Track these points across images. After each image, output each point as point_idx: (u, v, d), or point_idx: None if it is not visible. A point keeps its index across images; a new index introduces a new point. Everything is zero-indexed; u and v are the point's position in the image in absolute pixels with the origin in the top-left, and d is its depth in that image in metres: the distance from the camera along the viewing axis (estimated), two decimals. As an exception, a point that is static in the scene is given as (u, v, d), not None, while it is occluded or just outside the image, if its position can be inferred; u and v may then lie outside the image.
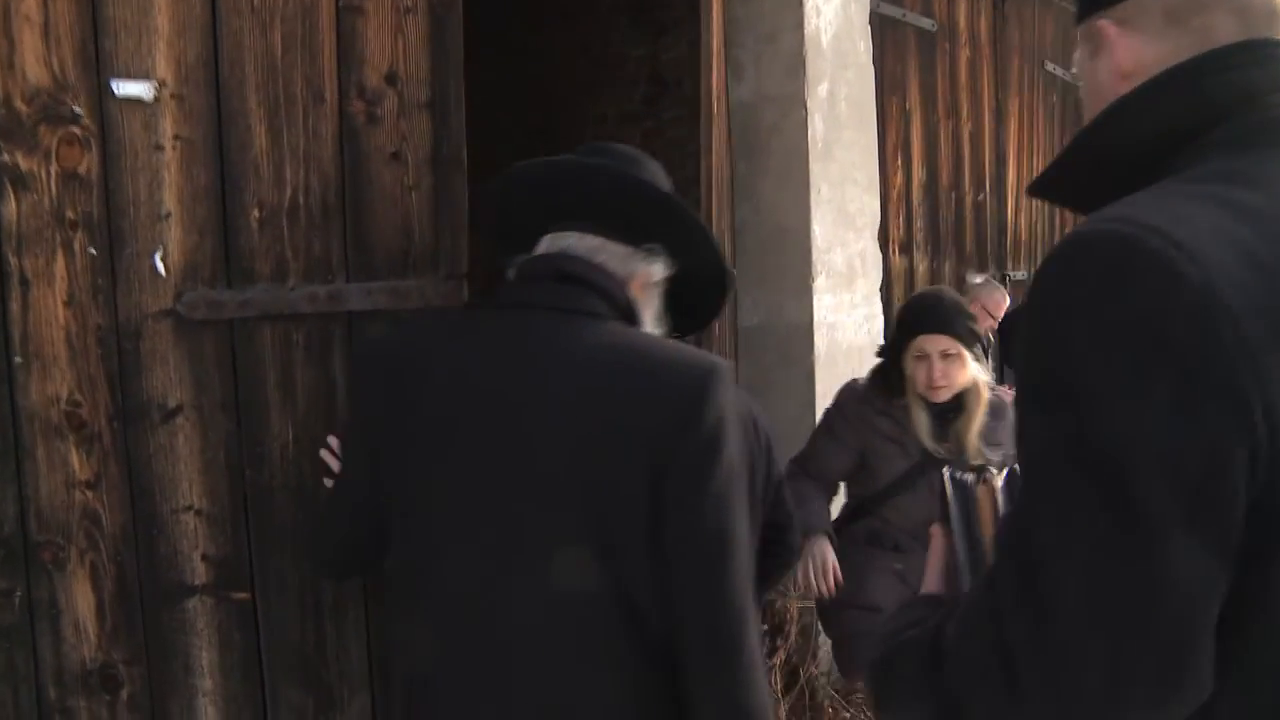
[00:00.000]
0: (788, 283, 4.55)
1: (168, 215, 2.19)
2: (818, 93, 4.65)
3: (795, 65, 4.51)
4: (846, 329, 4.74)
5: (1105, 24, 1.14)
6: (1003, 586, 0.94)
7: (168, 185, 2.19)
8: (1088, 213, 1.01)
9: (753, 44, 4.52)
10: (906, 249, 6.15)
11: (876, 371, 3.38)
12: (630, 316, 1.74)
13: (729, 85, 4.59)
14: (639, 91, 5.33)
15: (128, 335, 2.18)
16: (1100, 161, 1.11)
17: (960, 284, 6.57)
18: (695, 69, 4.30)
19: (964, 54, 6.49)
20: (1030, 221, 7.35)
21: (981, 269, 6.70)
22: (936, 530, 1.26)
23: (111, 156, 2.14)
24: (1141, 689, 0.88)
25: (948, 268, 6.53)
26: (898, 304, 5.93)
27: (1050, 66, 7.35)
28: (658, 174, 1.94)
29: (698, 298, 1.90)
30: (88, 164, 2.13)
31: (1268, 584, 0.90)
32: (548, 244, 1.82)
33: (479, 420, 1.65)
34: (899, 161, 6.02)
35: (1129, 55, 1.12)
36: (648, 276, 1.79)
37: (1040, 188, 1.21)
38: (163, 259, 2.19)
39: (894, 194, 5.90)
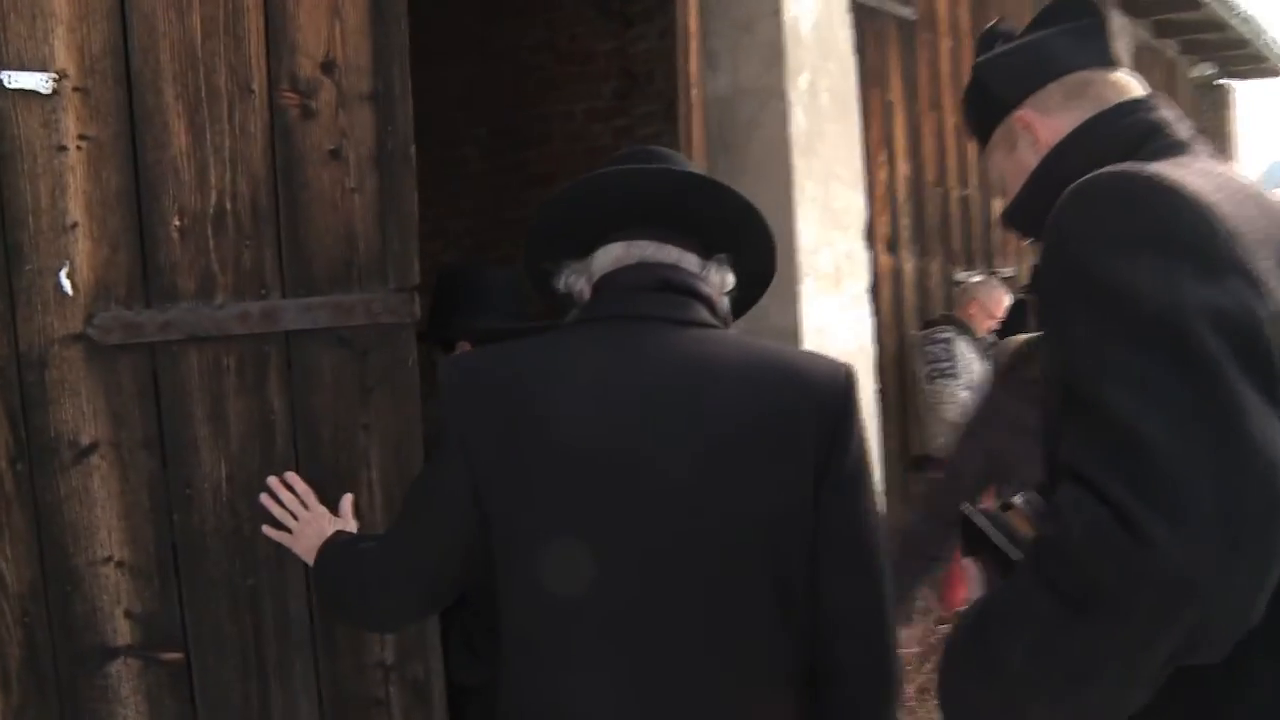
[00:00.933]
0: (773, 285, 4.28)
1: (74, 226, 1.91)
2: (798, 84, 4.40)
3: (774, 55, 4.26)
4: (837, 333, 4.49)
5: (1020, 115, 1.46)
6: (1091, 463, 1.02)
7: (73, 191, 1.91)
8: None
9: (729, 33, 4.27)
10: (893, 247, 5.92)
11: None
12: (727, 326, 1.71)
13: (704, 78, 4.34)
14: (608, 87, 5.08)
15: (30, 364, 1.91)
16: (1058, 193, 1.22)
17: (949, 283, 6.35)
18: (669, 60, 4.05)
19: (945, 44, 6.27)
20: (1016, 216, 7.13)
21: (969, 267, 6.48)
22: (971, 563, 1.26)
23: (5, 158, 1.87)
24: (1252, 510, 0.95)
25: (935, 266, 6.31)
26: (886, 306, 5.72)
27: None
28: (679, 157, 1.86)
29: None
30: (-24, 169, 1.85)
31: None
32: (620, 252, 1.70)
33: (626, 442, 1.57)
34: (882, 157, 5.80)
35: (1048, 130, 1.43)
36: (723, 287, 1.73)
37: (1012, 219, 1.52)
38: (69, 276, 1.92)
39: (878, 190, 5.67)
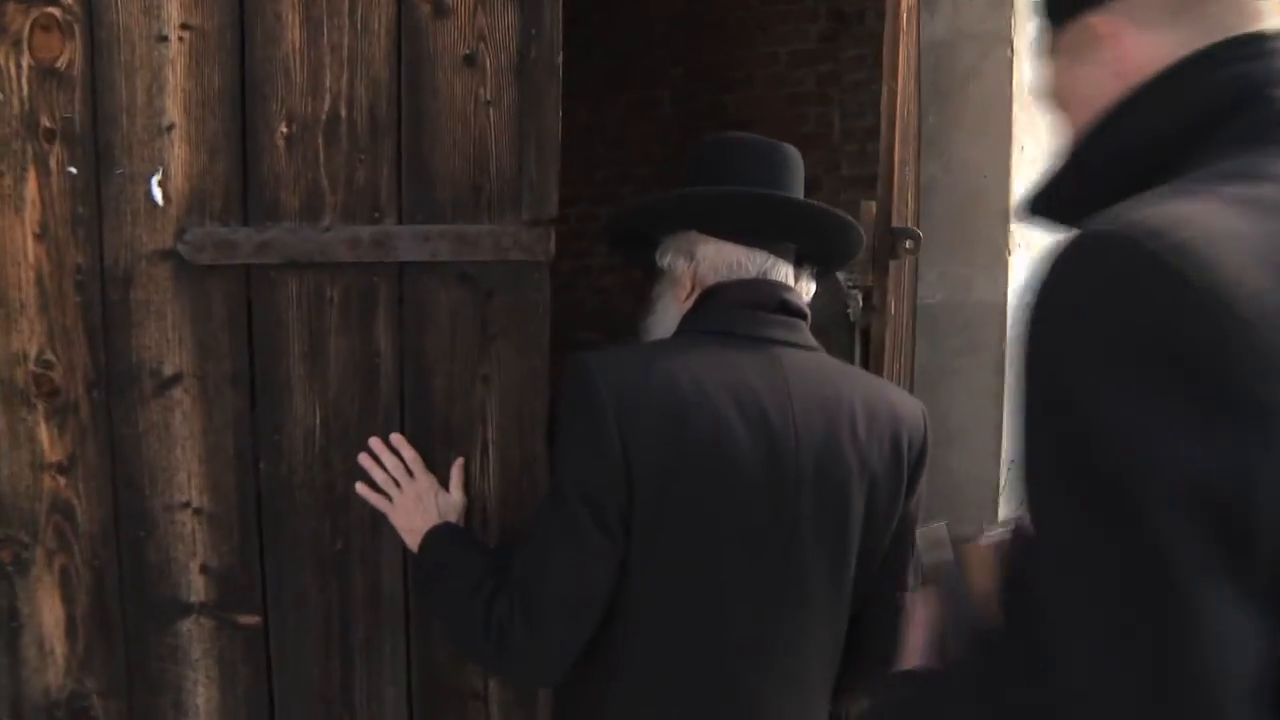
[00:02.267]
0: (979, 254, 3.84)
1: (170, 127, 1.68)
2: (1026, 30, 3.92)
3: (1002, -4, 3.79)
4: (1045, 312, 3.98)
5: (1100, 20, 1.02)
6: (1003, 649, 0.89)
7: (172, 89, 1.67)
8: None
9: (953, -31, 3.82)
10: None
11: None
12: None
13: (920, 20, 3.89)
14: (815, 28, 4.68)
15: (115, 281, 1.69)
16: (1106, 169, 1.00)
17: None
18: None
19: None
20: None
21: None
22: (919, 598, 1.13)
23: (101, 48, 1.65)
24: None
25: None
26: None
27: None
28: (799, 164, 1.77)
29: None
30: (70, 56, 1.64)
31: None
32: (736, 258, 1.67)
33: (785, 475, 1.56)
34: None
35: (1141, 51, 1.00)
36: (808, 296, 1.74)
37: (1040, 205, 1.09)
38: (161, 184, 1.69)
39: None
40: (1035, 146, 3.96)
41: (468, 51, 1.76)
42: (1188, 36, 0.98)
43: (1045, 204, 1.08)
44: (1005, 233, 3.92)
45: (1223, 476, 0.74)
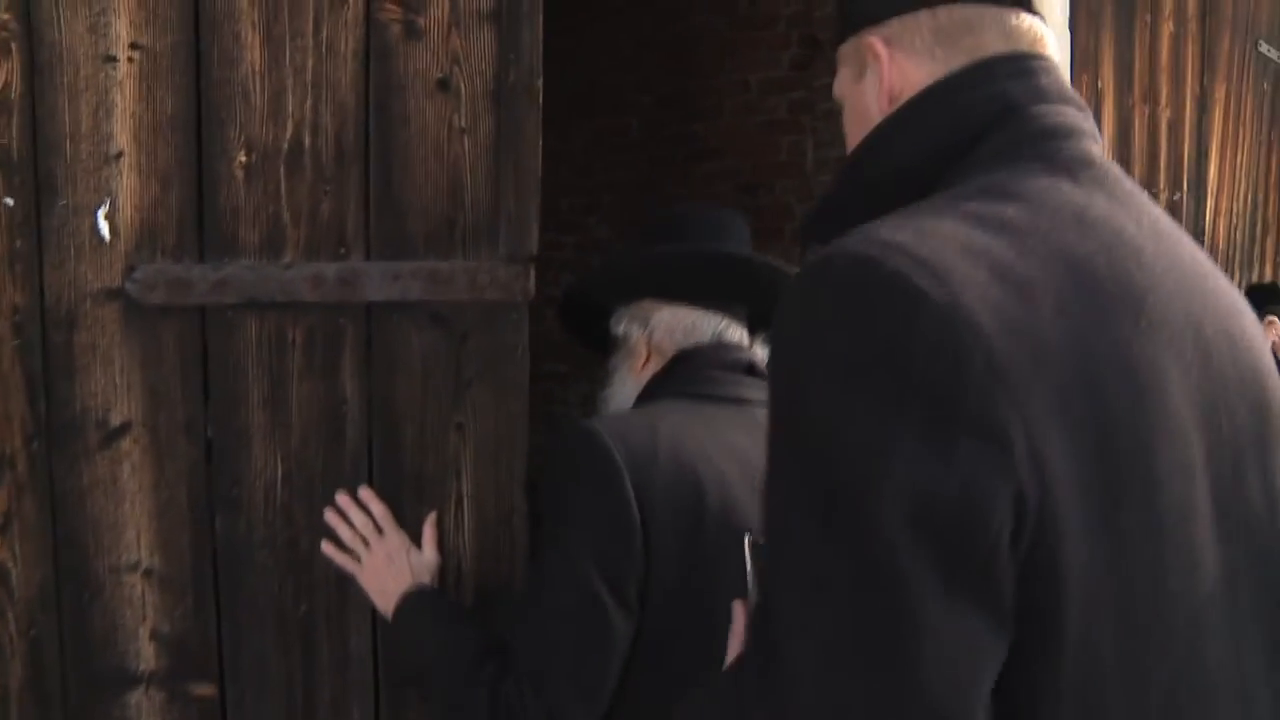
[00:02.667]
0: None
1: (118, 155, 1.55)
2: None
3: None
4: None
5: (874, 41, 1.04)
6: (746, 666, 0.87)
7: (120, 113, 1.54)
8: None
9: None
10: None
11: None
12: None
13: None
14: (788, 54, 4.59)
15: (57, 323, 1.55)
16: (873, 189, 1.01)
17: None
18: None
19: (1167, 28, 5.58)
20: (1230, 226, 6.38)
21: (1175, 280, 5.78)
22: (739, 605, 1.07)
23: (42, 69, 1.52)
24: None
25: (1136, 277, 5.63)
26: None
27: (1265, 48, 6.37)
28: (745, 229, 1.76)
29: None
30: (6, 78, 1.51)
31: (1052, 664, 0.78)
32: (693, 320, 1.65)
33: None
34: (1087, 151, 5.16)
35: (898, 76, 1.03)
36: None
37: (813, 229, 1.08)
38: (108, 217, 1.55)
39: (1079, 188, 5.03)
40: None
41: (441, 76, 1.64)
42: (952, 58, 1.00)
43: (823, 226, 1.05)
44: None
45: (953, 493, 0.74)
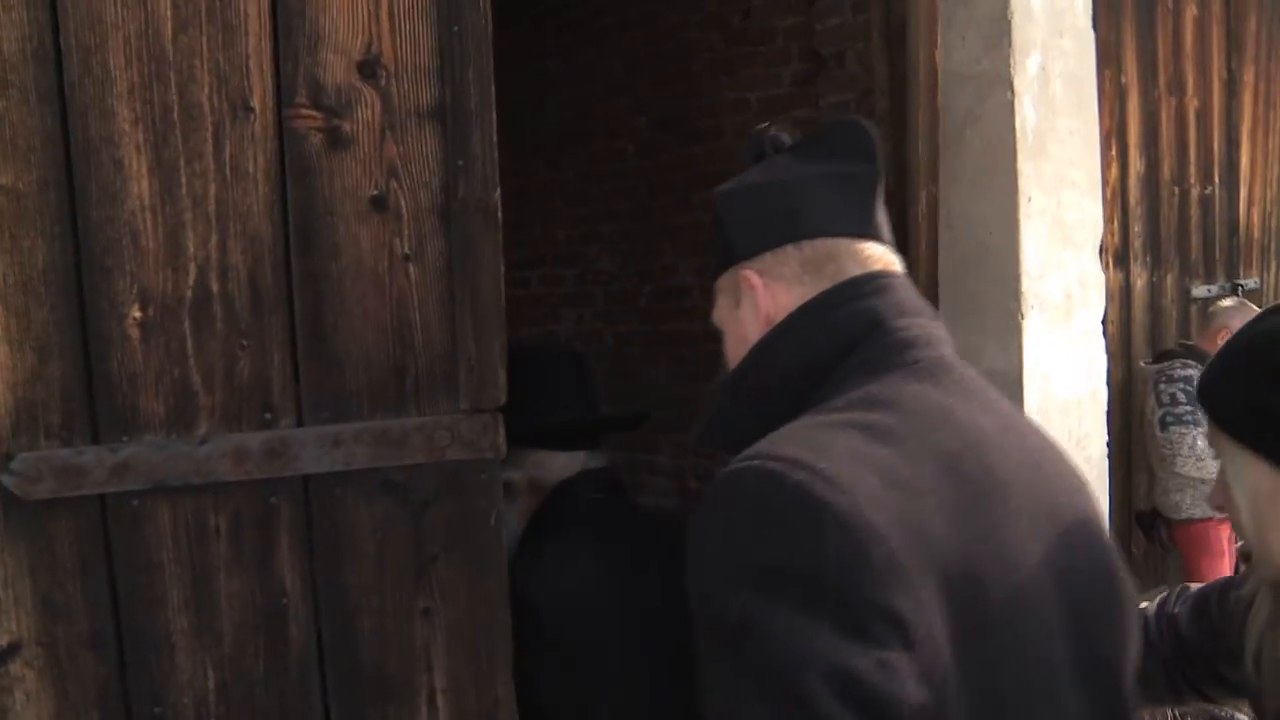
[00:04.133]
0: (990, 319, 3.46)
1: (-17, 322, 1.26)
2: (1026, 69, 3.56)
3: (998, 32, 3.43)
4: (1064, 378, 3.63)
5: (750, 273, 1.16)
6: None
7: (-17, 270, 1.25)
8: None
9: (941, 5, 3.45)
10: (1122, 260, 5.00)
11: None
12: None
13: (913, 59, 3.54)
14: (789, 71, 4.28)
15: (-79, 528, 1.26)
16: (760, 398, 1.12)
17: (1184, 300, 5.37)
18: (864, 39, 3.25)
19: (1189, 12, 5.27)
20: (1264, 214, 6.05)
21: (1209, 279, 5.48)
22: None
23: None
24: None
25: (1170, 280, 5.34)
26: (1114, 329, 4.79)
27: (1292, 25, 6.04)
28: (588, 366, 1.98)
29: None
30: None
31: None
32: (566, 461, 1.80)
33: None
34: (1113, 151, 4.87)
35: (773, 303, 1.15)
36: None
37: (707, 438, 1.19)
38: (-25, 398, 1.26)
39: (1107, 192, 4.75)
40: (1042, 195, 3.59)
41: (375, 192, 1.35)
42: (819, 282, 1.13)
43: (713, 436, 1.17)
44: (1016, 294, 3.55)
45: (866, 669, 0.85)
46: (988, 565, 0.93)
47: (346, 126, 1.33)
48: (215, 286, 1.31)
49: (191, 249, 1.30)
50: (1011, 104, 3.45)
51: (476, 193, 1.36)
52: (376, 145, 1.34)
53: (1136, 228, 5.02)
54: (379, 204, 1.35)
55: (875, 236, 1.15)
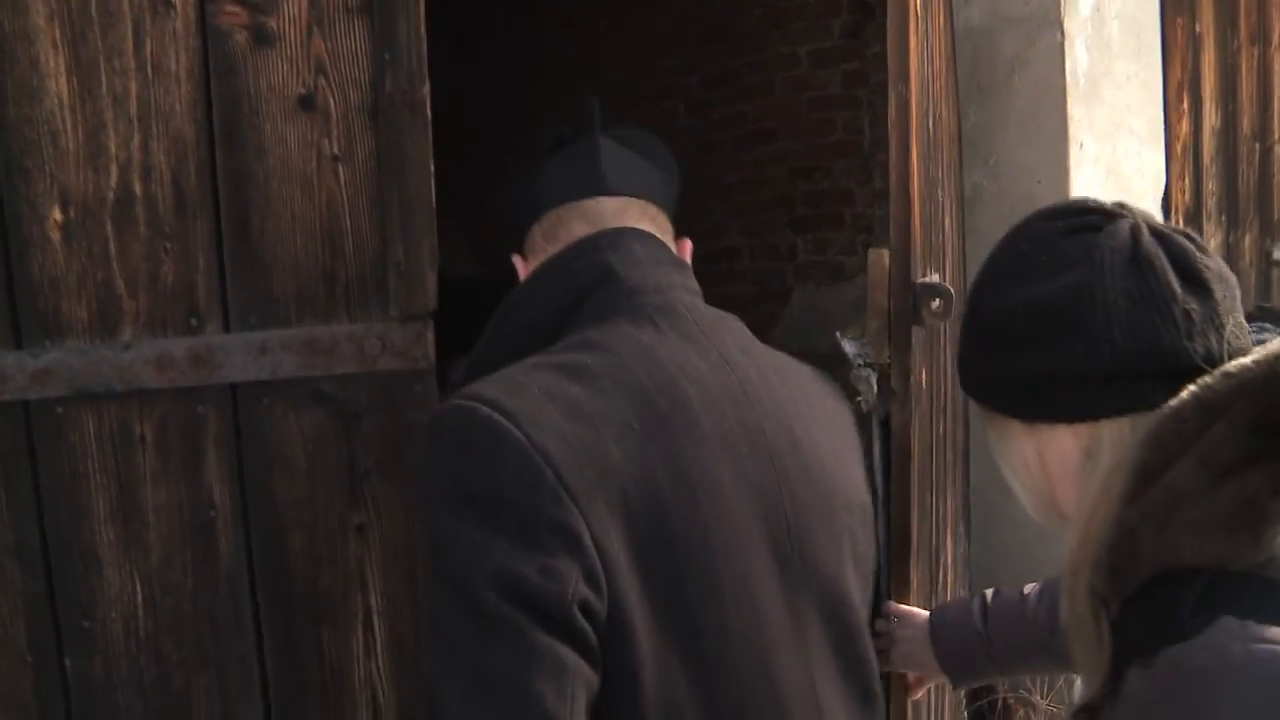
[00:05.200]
0: (1037, 273, 3.32)
1: (-97, 223, 1.23)
2: (1078, 10, 3.41)
3: (1048, -30, 3.29)
4: (1119, 336, 3.44)
5: (515, 258, 1.30)
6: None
7: (-98, 169, 1.23)
8: None
9: (987, -56, 3.32)
10: (1194, 218, 4.77)
11: None
12: None
13: (950, 4, 3.39)
14: (838, 23, 4.16)
15: None
16: (511, 341, 1.21)
17: (1265, 263, 5.14)
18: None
19: (1274, -43, 5.02)
20: (1355, 175, 5.76)
21: (1292, 240, 5.22)
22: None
23: None
24: None
25: (1248, 241, 5.09)
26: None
27: (1386, -27, 5.72)
28: None
29: None
30: None
31: (639, 706, 1.03)
32: None
33: None
34: (1185, 104, 4.64)
35: (529, 271, 1.28)
36: None
37: (472, 373, 1.19)
38: (-105, 300, 1.24)
39: (1178, 147, 4.53)
40: (1096, 142, 3.43)
41: (303, 91, 1.30)
42: (555, 247, 1.24)
43: (479, 371, 1.18)
44: (1066, 245, 3.37)
45: (530, 573, 0.98)
46: (667, 487, 1.05)
47: (272, 23, 1.29)
48: (138, 188, 1.27)
49: (113, 149, 1.26)
50: (1061, 46, 3.31)
51: (404, 87, 1.30)
52: (303, 41, 1.29)
53: (1211, 185, 4.79)
54: (306, 103, 1.30)
55: (607, 192, 1.26)
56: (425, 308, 1.32)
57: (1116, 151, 3.51)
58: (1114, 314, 0.89)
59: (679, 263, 1.27)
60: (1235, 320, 0.93)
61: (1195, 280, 0.91)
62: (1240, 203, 4.98)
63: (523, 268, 1.28)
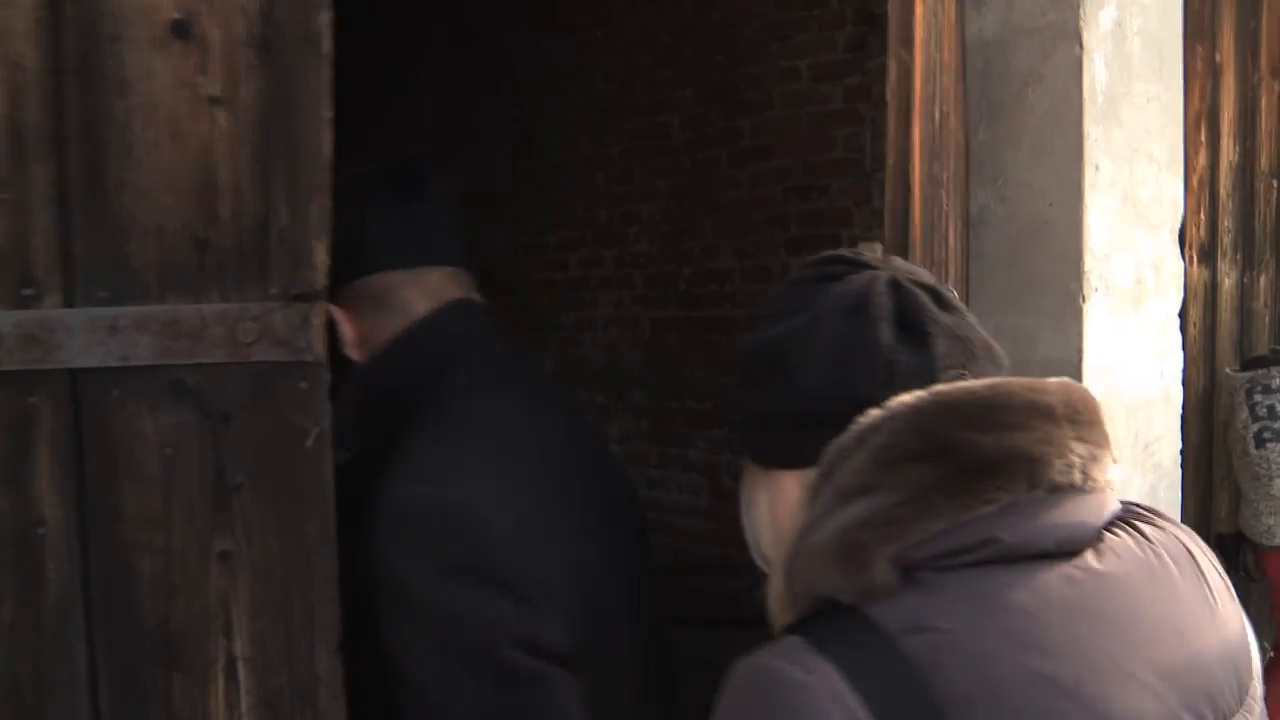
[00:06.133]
0: (1046, 302, 3.09)
1: None
2: (1099, 23, 3.19)
3: (1067, -20, 3.07)
4: (1131, 373, 3.24)
5: (333, 308, 1.23)
6: None
7: None
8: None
9: (1004, -53, 3.11)
10: (1209, 256, 4.57)
11: None
12: None
13: (962, 14, 3.18)
14: (842, 35, 3.95)
15: None
16: (376, 404, 1.32)
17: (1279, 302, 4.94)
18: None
19: (1298, -10, 4.84)
20: (1373, 221, 5.56)
21: (1308, 283, 5.03)
22: None
23: None
24: None
25: (1263, 282, 4.89)
26: (1195, 331, 4.37)
27: None
28: None
29: None
30: None
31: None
32: None
33: None
34: (1203, 135, 4.44)
35: (356, 335, 1.32)
36: None
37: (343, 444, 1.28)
38: None
39: (1194, 180, 4.33)
40: (1114, 167, 3.21)
41: (178, 15, 1.06)
42: (390, 321, 1.32)
43: (343, 441, 1.23)
44: (1078, 273, 3.16)
45: (474, 614, 1.15)
46: (564, 526, 1.25)
47: (141, -71, 1.05)
48: (-38, 124, 1.03)
49: (-68, 74, 1.02)
50: (1080, 60, 3.09)
51: (296, 15, 1.06)
52: (179, -44, 1.05)
53: (1227, 222, 4.59)
54: (180, 30, 1.06)
55: (439, 264, 1.35)
56: (310, 284, 1.08)
57: (1134, 177, 3.29)
58: (817, 359, 0.89)
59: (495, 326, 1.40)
60: (960, 376, 0.89)
61: (915, 333, 0.89)
62: (1257, 242, 4.77)
63: (346, 322, 1.29)
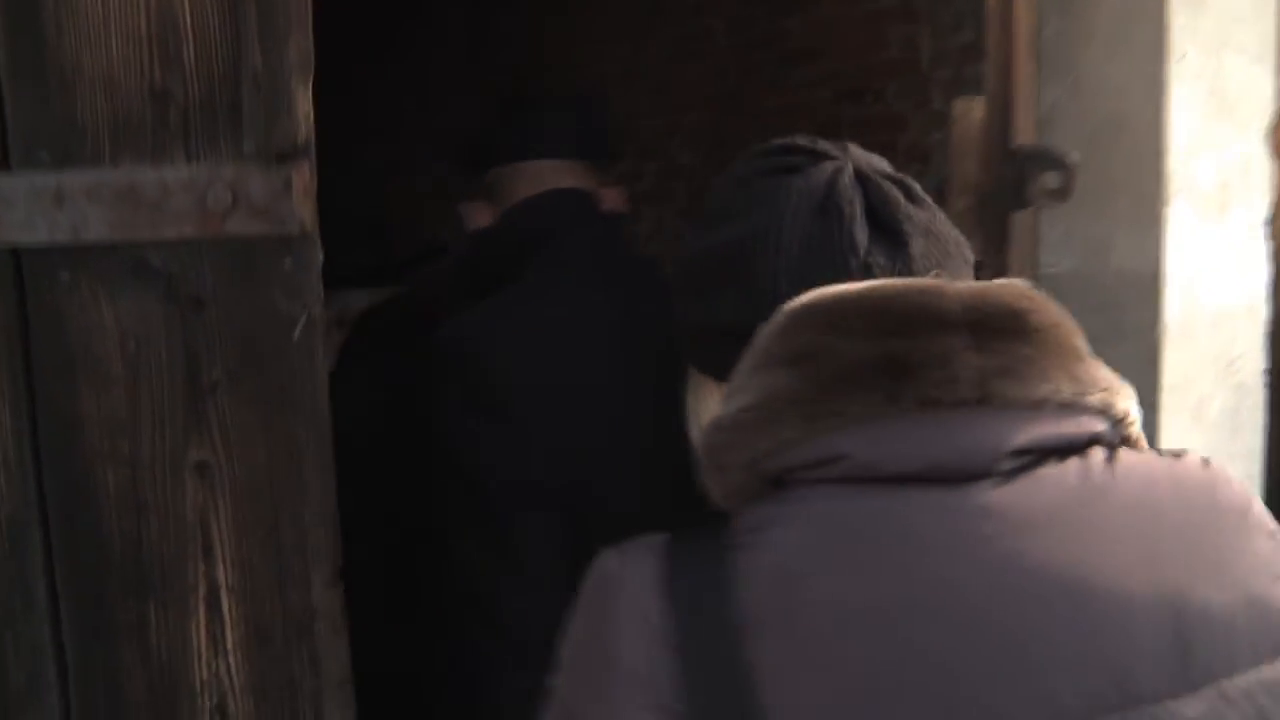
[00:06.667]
0: (1122, 205, 2.91)
1: None
2: (1181, -105, 2.96)
3: None
4: (1215, 283, 3.06)
5: (465, 203, 1.55)
6: None
7: None
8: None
9: None
10: (1293, 161, 4.32)
11: None
12: None
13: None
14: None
15: None
16: (479, 269, 1.53)
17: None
18: None
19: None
20: None
21: None
22: None
23: None
24: None
25: (1357, 187, 4.64)
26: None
27: None
28: None
29: None
30: None
31: None
32: None
33: None
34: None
35: (482, 218, 1.53)
36: None
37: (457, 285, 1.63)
38: None
39: (1281, 74, 4.08)
40: (1200, 57, 2.98)
41: None
42: (504, 204, 1.50)
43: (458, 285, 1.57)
44: (1158, 175, 2.96)
45: (469, 441, 1.31)
46: (575, 394, 1.36)
47: None
48: None
49: None
50: (1162, -63, 2.88)
51: None
52: None
53: (1316, 123, 4.34)
54: None
55: (560, 151, 1.49)
56: (294, 141, 0.90)
57: (1222, 69, 3.06)
58: (782, 264, 0.83)
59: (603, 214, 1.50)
60: (939, 276, 0.82)
61: (891, 231, 0.83)
62: (1346, 144, 4.52)
63: (470, 213, 1.50)
